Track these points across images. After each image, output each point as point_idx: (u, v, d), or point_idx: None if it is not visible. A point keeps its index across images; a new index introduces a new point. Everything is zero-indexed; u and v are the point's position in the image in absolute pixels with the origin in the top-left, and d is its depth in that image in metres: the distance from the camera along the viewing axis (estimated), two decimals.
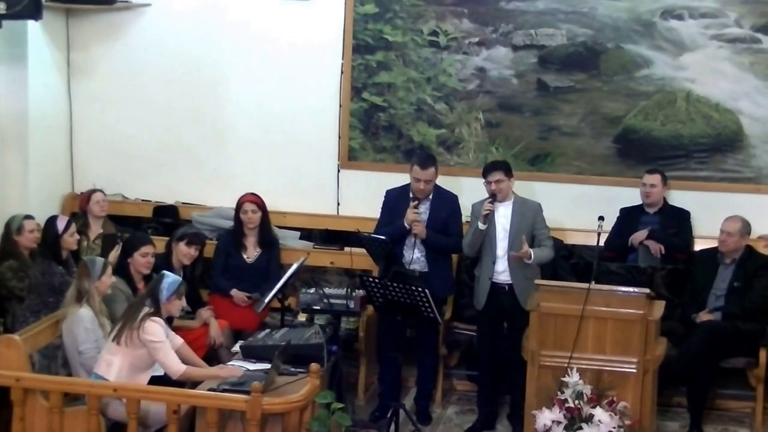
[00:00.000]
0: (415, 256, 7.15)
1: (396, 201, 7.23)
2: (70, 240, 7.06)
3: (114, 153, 8.73)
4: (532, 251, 6.81)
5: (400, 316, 6.75)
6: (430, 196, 7.19)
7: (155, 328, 6.00)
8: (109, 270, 6.44)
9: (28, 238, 7.16)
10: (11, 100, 8.04)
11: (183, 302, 6.32)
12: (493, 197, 6.86)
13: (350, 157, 8.48)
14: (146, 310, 6.07)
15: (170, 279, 6.20)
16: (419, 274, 7.09)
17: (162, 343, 5.98)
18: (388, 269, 6.88)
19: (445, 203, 7.22)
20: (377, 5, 8.32)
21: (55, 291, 6.70)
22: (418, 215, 7.05)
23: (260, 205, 7.65)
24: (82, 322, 6.22)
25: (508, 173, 6.94)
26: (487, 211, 6.82)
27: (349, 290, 7.06)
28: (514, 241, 6.88)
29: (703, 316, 7.21)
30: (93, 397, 5.82)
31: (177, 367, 5.98)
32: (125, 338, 5.99)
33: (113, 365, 5.99)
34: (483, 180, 6.96)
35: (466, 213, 7.33)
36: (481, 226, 6.85)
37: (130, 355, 6.00)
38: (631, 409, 6.23)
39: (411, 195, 7.16)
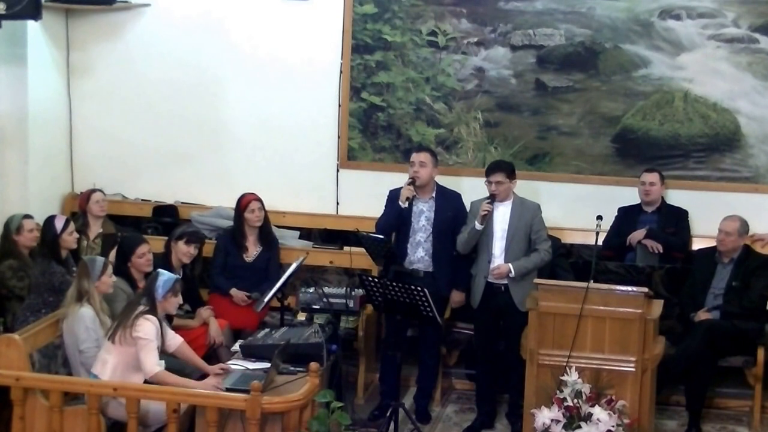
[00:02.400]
0: (418, 256, 7.17)
1: (398, 197, 7.24)
2: (69, 239, 7.05)
3: (114, 153, 8.74)
4: (511, 266, 6.82)
5: (399, 315, 6.76)
6: (434, 194, 7.21)
7: (146, 326, 5.99)
8: (110, 269, 6.44)
9: (27, 237, 7.17)
10: (11, 100, 8.05)
11: (179, 299, 6.29)
12: (492, 198, 6.88)
13: (349, 157, 8.50)
14: (141, 308, 6.08)
15: (165, 277, 6.19)
16: (423, 274, 7.10)
17: (148, 340, 5.96)
18: (388, 268, 6.89)
19: (450, 202, 7.24)
20: (376, 5, 8.33)
21: (55, 290, 6.71)
22: (411, 191, 7.07)
23: (262, 203, 7.67)
24: (83, 321, 6.22)
25: (511, 175, 6.94)
26: (486, 212, 6.84)
27: (348, 289, 7.09)
28: (512, 242, 6.89)
29: (702, 315, 7.23)
30: (93, 397, 5.83)
31: (151, 368, 5.94)
32: (119, 337, 5.99)
33: (108, 364, 6.00)
34: (485, 179, 6.97)
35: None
36: (478, 226, 6.86)
37: (124, 354, 6.00)
38: (629, 408, 6.24)
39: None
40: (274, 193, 8.16)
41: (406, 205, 7.08)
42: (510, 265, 6.82)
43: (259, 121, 8.58)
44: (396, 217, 7.12)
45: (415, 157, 7.17)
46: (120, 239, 7.34)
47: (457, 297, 7.25)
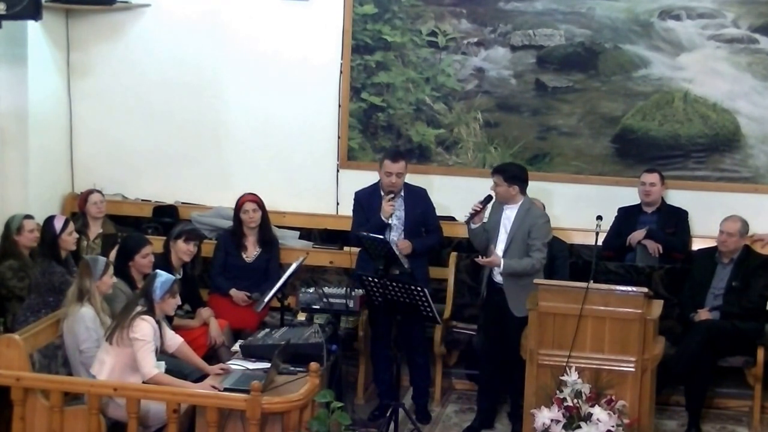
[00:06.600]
0: None
1: (368, 199, 7.26)
2: (69, 239, 7.05)
3: (114, 153, 8.74)
4: (502, 260, 6.76)
5: (399, 315, 6.75)
6: (402, 193, 7.24)
7: (143, 327, 5.98)
8: (111, 269, 6.43)
9: (27, 237, 7.17)
10: (11, 100, 8.05)
11: (177, 300, 6.27)
12: (488, 199, 6.87)
13: (349, 157, 8.50)
14: (138, 308, 6.08)
15: (163, 278, 6.17)
16: (399, 272, 7.08)
17: (144, 342, 5.95)
18: (388, 269, 6.88)
19: (418, 198, 7.30)
20: (376, 5, 8.34)
21: (55, 290, 6.71)
22: (393, 207, 7.09)
23: (260, 204, 7.67)
24: (83, 321, 6.23)
25: (510, 180, 6.79)
26: (473, 211, 6.82)
27: (348, 289, 7.07)
28: (510, 244, 6.87)
29: (702, 315, 7.23)
30: (93, 397, 5.84)
31: (148, 369, 5.93)
32: (116, 338, 5.99)
33: (105, 364, 6.00)
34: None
35: (460, 212, 7.35)
36: (472, 225, 6.87)
37: (122, 355, 5.99)
38: (629, 408, 6.24)
39: (382, 192, 7.19)
40: (274, 193, 8.16)
41: (391, 221, 7.12)
42: (502, 258, 6.79)
43: (259, 121, 8.58)
44: (377, 229, 7.10)
45: (393, 167, 7.14)
46: (123, 239, 7.34)
47: (403, 245, 7.16)
